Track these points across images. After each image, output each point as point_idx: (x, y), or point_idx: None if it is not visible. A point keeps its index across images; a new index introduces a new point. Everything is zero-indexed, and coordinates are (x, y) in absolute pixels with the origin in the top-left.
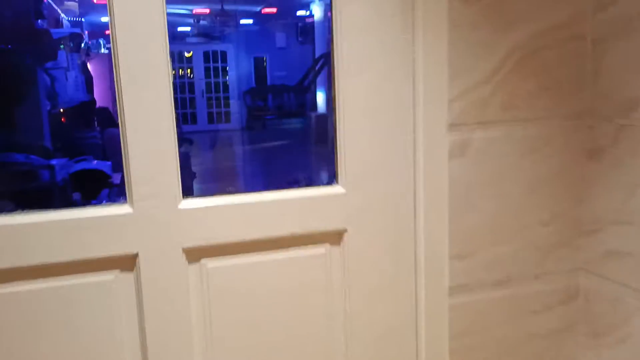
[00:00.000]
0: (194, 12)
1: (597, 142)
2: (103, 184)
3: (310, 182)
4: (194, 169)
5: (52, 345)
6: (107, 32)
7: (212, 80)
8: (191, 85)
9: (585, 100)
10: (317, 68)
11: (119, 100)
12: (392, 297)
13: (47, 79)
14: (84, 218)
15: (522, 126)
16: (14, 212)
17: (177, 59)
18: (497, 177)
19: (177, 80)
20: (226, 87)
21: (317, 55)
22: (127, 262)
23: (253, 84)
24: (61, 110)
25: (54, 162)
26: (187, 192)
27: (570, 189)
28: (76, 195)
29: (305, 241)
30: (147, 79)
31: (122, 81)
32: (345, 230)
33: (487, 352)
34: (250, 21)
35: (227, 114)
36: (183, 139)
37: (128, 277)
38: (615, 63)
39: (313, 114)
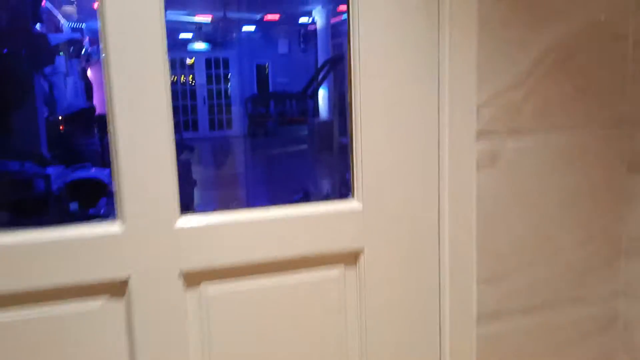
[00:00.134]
0: (196, 18)
1: (639, 152)
2: (101, 192)
3: (315, 192)
4: (194, 176)
5: None
6: None
7: (214, 87)
8: (193, 92)
9: (626, 106)
10: (321, 75)
11: (109, 106)
12: (413, 326)
13: (46, 84)
14: (66, 239)
15: (557, 135)
16: None
17: (179, 65)
18: (530, 190)
19: (179, 86)
20: (228, 94)
21: (319, 61)
22: (117, 288)
23: (255, 91)
24: (60, 117)
25: (50, 170)
26: (187, 203)
27: (610, 204)
28: (73, 205)
29: (318, 262)
30: (143, 83)
31: (113, 84)
32: (361, 250)
33: None
34: (252, 28)
35: (229, 121)
36: (184, 146)
37: (118, 305)
38: None
39: (317, 121)
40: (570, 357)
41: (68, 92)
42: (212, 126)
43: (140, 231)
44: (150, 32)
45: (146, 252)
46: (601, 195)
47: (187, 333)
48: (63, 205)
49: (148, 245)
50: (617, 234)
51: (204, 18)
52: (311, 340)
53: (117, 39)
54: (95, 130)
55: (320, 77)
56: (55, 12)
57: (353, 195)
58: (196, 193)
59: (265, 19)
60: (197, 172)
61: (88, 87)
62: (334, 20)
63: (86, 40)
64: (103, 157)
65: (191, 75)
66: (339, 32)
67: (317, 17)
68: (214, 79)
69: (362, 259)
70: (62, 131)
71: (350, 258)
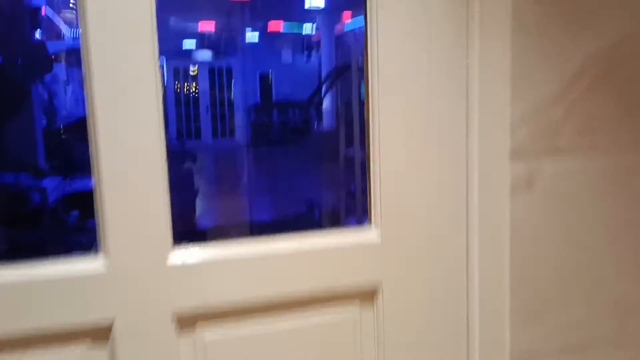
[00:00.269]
0: (199, 27)
1: None
2: None
3: (320, 204)
4: (196, 185)
5: None
6: None
7: (217, 95)
8: (195, 100)
9: None
10: (327, 84)
11: (89, 119)
12: None
13: (45, 93)
14: (39, 278)
15: (602, 156)
16: None
17: (182, 74)
18: (571, 219)
19: (182, 95)
20: (231, 103)
21: (323, 71)
22: (100, 333)
23: (258, 100)
24: (60, 126)
25: (46, 181)
26: (182, 230)
27: None
28: (71, 217)
29: (329, 300)
30: (131, 92)
31: (94, 93)
32: (380, 286)
33: None
34: (256, 37)
35: (232, 130)
36: (186, 155)
37: (100, 353)
38: None
39: (321, 131)
40: None
41: (68, 100)
42: (214, 135)
43: (127, 268)
44: (141, 37)
45: (133, 292)
46: None
47: None
48: (60, 217)
49: (136, 284)
50: None
51: (208, 27)
52: None
53: (99, 42)
54: None
55: (326, 86)
56: (57, 19)
57: (370, 223)
58: (198, 199)
59: (268, 29)
60: (198, 181)
61: None
62: (337, 30)
63: None
64: None
65: (194, 84)
66: (343, 42)
67: (321, 27)
68: (217, 87)
69: (381, 296)
70: (61, 140)
71: (367, 295)
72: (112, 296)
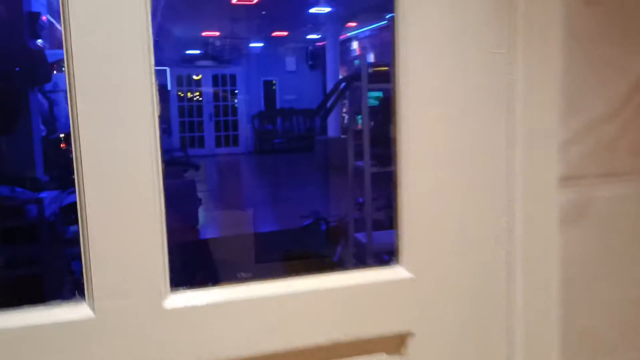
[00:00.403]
0: (203, 34)
1: None
2: None
3: (325, 215)
4: (199, 194)
5: None
6: None
7: (221, 103)
8: (199, 108)
9: None
10: (338, 92)
11: (74, 137)
12: None
13: (45, 102)
14: (15, 329)
15: None
16: None
17: (185, 82)
18: (630, 253)
19: (185, 103)
20: (235, 110)
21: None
22: None
23: (262, 108)
24: (61, 135)
25: (44, 194)
26: (181, 281)
27: None
28: (69, 232)
29: (351, 351)
30: (122, 109)
31: (78, 107)
32: (409, 334)
33: None
34: (260, 44)
35: (235, 137)
36: (189, 164)
37: None
38: None
39: (326, 138)
40: None
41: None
42: (218, 143)
43: (116, 316)
44: (132, 47)
45: (123, 345)
46: None
47: None
48: (57, 231)
49: (126, 335)
50: None
51: (212, 34)
52: None
53: (83, 47)
54: None
55: (335, 95)
56: (59, 26)
57: (398, 261)
58: (201, 209)
59: (273, 36)
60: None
61: None
62: (342, 37)
63: None
64: None
65: (198, 92)
66: (347, 49)
67: (326, 35)
68: (220, 95)
69: (411, 345)
70: (62, 150)
71: (394, 344)
72: (98, 347)
